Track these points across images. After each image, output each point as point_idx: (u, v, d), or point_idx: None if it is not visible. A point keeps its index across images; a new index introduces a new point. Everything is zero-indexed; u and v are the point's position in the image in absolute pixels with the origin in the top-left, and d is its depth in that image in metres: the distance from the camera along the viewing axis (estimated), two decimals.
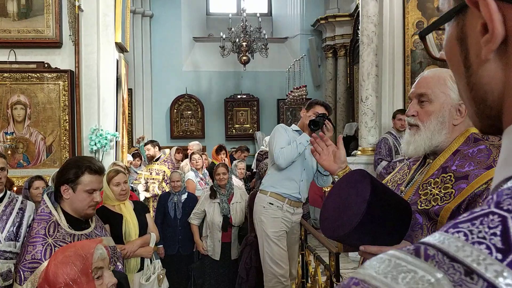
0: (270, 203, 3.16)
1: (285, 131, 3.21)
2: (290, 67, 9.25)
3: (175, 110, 10.03)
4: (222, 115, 10.22)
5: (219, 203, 4.11)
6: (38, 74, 4.67)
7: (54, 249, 1.79)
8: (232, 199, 4.18)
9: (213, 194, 4.17)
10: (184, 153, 7.56)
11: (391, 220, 1.18)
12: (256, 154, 6.71)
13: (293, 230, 3.29)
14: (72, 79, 4.75)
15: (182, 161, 7.01)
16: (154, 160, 6.23)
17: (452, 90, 1.36)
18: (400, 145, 4.76)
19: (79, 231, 1.92)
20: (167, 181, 6.22)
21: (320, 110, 3.12)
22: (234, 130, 10.23)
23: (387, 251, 1.19)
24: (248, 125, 10.24)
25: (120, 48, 5.66)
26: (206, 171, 5.56)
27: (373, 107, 5.31)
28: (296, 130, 3.24)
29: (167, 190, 6.16)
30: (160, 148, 6.47)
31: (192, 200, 4.40)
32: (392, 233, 1.19)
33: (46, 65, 4.73)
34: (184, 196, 4.38)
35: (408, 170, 1.49)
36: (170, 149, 7.03)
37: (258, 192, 3.34)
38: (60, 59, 4.84)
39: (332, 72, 9.55)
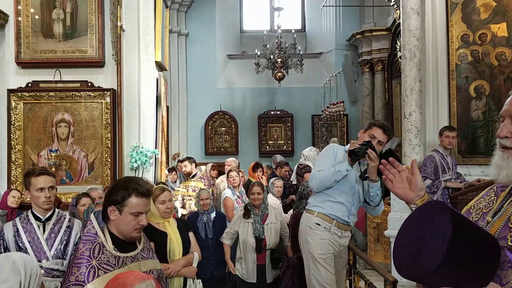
0: (317, 223, 3.03)
1: (335, 152, 3.09)
2: (326, 83, 9.15)
3: (210, 127, 10.10)
4: (256, 131, 10.20)
5: (252, 223, 3.99)
6: (81, 93, 4.79)
7: (98, 272, 1.75)
8: (267, 220, 4.03)
9: (246, 214, 4.05)
10: (219, 169, 7.56)
11: (475, 259, 1.06)
12: (296, 168, 6.60)
13: (340, 254, 3.14)
14: (114, 97, 4.84)
15: (217, 178, 6.98)
16: (190, 176, 6.23)
17: None
18: (447, 163, 4.58)
19: (124, 253, 1.87)
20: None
21: (377, 133, 2.97)
22: (268, 147, 10.16)
23: None
24: (282, 141, 10.15)
25: (160, 66, 5.75)
26: (243, 189, 5.49)
27: (417, 123, 5.11)
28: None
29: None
30: (196, 165, 6.47)
31: (221, 218, 4.26)
32: (478, 273, 1.06)
33: (89, 84, 4.84)
34: (213, 215, 4.20)
35: (496, 198, 1.33)
36: (206, 166, 7.03)
37: (304, 211, 3.22)
38: (103, 78, 4.95)
39: (369, 87, 9.37)
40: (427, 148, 5.10)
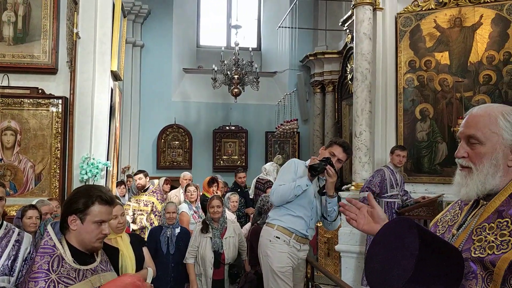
0: (276, 237, 3.07)
1: (296, 167, 3.16)
2: (280, 101, 9.35)
3: (163, 140, 9.93)
4: (210, 146, 10.16)
5: (211, 237, 3.97)
6: (31, 100, 4.57)
7: (58, 286, 1.67)
8: (225, 234, 4.03)
9: (205, 228, 4.02)
10: (171, 184, 7.42)
11: (442, 272, 1.13)
12: (254, 181, 6.64)
13: (299, 267, 3.19)
14: (66, 105, 4.66)
15: (168, 192, 6.85)
16: (142, 190, 6.06)
17: (504, 129, 1.26)
18: (396, 180, 4.82)
19: (84, 266, 1.79)
20: (155, 213, 6.04)
21: (337, 151, 3.09)
22: (222, 162, 10.15)
23: None
24: (236, 157, 10.19)
25: (115, 76, 5.62)
26: (199, 204, 5.44)
27: (367, 142, 5.36)
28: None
29: (155, 222, 5.98)
30: (149, 179, 6.32)
31: (186, 234, 4.17)
32: (444, 285, 1.13)
33: (40, 91, 4.63)
34: (178, 230, 4.14)
35: (460, 211, 1.40)
36: (159, 180, 6.88)
37: (264, 225, 3.25)
38: (55, 86, 4.77)
39: (320, 107, 9.69)
40: (375, 165, 5.35)
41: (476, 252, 1.21)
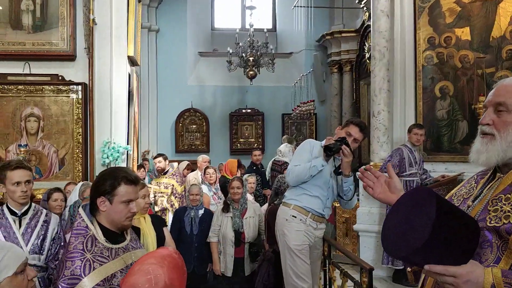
0: (293, 216, 3.11)
1: (311, 147, 3.17)
2: (296, 82, 9.30)
3: (180, 124, 10.03)
4: (227, 129, 10.22)
5: (231, 217, 4.05)
6: (52, 87, 4.66)
7: (93, 264, 1.75)
8: (246, 214, 4.11)
9: (226, 208, 4.11)
10: (191, 167, 7.53)
11: (458, 240, 1.14)
12: (271, 163, 6.69)
13: (316, 245, 3.23)
14: (86, 92, 4.74)
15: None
16: (162, 173, 6.18)
17: None
18: (415, 158, 4.78)
19: (116, 245, 1.87)
20: (176, 195, 6.17)
21: (354, 130, 3.08)
22: (239, 145, 10.21)
23: (453, 271, 1.14)
24: (253, 139, 10.23)
25: (132, 61, 5.67)
26: (218, 185, 5.52)
27: (385, 122, 5.31)
28: None
29: (175, 204, 6.11)
30: (168, 162, 6.43)
31: (209, 216, 4.26)
32: (459, 252, 1.15)
33: (60, 78, 4.72)
34: (201, 212, 4.24)
35: (476, 184, 1.42)
36: (179, 163, 6.99)
37: (281, 205, 3.29)
38: (74, 72, 4.84)
39: (338, 87, 9.59)
40: (394, 145, 5.29)
41: (492, 222, 1.23)
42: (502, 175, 1.33)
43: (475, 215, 1.28)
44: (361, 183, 4.09)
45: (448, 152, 5.19)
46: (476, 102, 4.94)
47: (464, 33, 5.05)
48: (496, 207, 1.26)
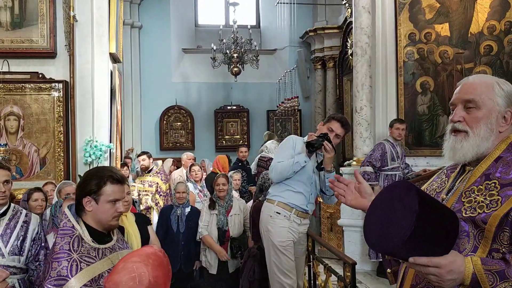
0: (277, 212, 3.13)
1: (294, 143, 3.19)
2: (281, 79, 9.31)
3: (165, 122, 9.96)
4: (212, 126, 10.19)
5: (216, 214, 4.04)
6: (32, 85, 4.59)
7: (80, 265, 1.73)
8: (231, 211, 4.10)
9: (212, 205, 4.10)
10: (175, 163, 7.49)
11: (439, 230, 1.18)
12: (257, 159, 6.71)
13: (300, 241, 3.25)
14: (67, 89, 4.68)
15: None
16: (146, 171, 6.14)
17: (499, 96, 1.35)
18: (397, 152, 4.85)
19: (102, 245, 1.85)
20: (160, 193, 6.14)
21: (335, 126, 3.11)
22: (224, 141, 10.20)
23: (436, 261, 1.18)
24: (238, 136, 10.22)
25: (114, 58, 5.61)
26: (204, 183, 5.50)
27: (368, 117, 5.37)
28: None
29: (160, 202, 6.08)
30: (152, 160, 6.39)
31: (196, 214, 4.22)
32: (441, 243, 1.18)
33: (40, 76, 4.65)
34: (188, 209, 4.21)
35: (446, 178, 1.47)
36: (163, 161, 6.95)
37: (265, 201, 3.30)
38: (54, 70, 4.78)
39: (321, 83, 9.64)
40: (376, 140, 5.36)
41: (467, 212, 1.28)
42: (471, 168, 1.37)
43: (451, 207, 1.32)
44: (346, 177, 4.14)
45: (430, 146, 5.28)
46: None
47: (443, 29, 5.14)
48: (470, 198, 1.30)
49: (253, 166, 6.76)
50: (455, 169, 1.45)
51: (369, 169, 4.74)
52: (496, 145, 1.35)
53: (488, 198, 1.26)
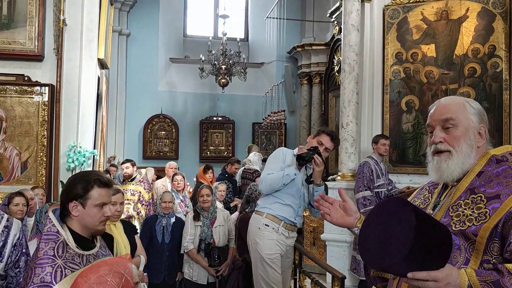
0: (265, 224, 3.11)
1: (284, 156, 3.20)
2: (267, 92, 9.37)
3: (149, 130, 9.87)
4: (197, 136, 10.14)
5: (201, 226, 3.99)
6: (16, 87, 4.49)
7: (65, 271, 1.67)
8: (215, 223, 4.06)
9: (196, 217, 4.05)
10: (157, 174, 7.40)
11: (435, 244, 1.19)
12: (241, 172, 6.68)
13: (287, 254, 3.24)
14: (53, 93, 4.60)
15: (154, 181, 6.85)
16: (129, 180, 6.04)
17: (472, 114, 1.43)
18: (381, 169, 4.90)
19: (86, 251, 1.80)
20: (142, 202, 6.04)
21: (325, 140, 3.13)
22: (208, 152, 10.15)
23: (434, 275, 1.19)
24: (223, 147, 10.19)
25: (102, 64, 5.56)
26: (186, 193, 5.45)
27: (353, 133, 5.43)
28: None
29: (142, 212, 5.98)
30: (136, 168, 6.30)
31: (180, 224, 4.15)
32: (437, 257, 1.19)
33: (26, 78, 4.56)
34: (173, 219, 4.14)
35: (430, 194, 1.50)
36: (146, 169, 6.86)
37: (253, 213, 3.28)
38: (41, 73, 4.70)
39: (307, 98, 9.74)
40: (361, 156, 5.42)
41: (457, 226, 1.32)
42: (455, 183, 1.42)
43: None
44: (330, 193, 4.15)
45: (413, 164, 5.37)
46: None
47: (429, 49, 5.28)
48: (458, 212, 1.35)
49: (238, 178, 6.74)
50: (438, 185, 1.49)
51: (367, 193, 4.66)
52: (477, 160, 1.41)
53: (476, 211, 1.30)
